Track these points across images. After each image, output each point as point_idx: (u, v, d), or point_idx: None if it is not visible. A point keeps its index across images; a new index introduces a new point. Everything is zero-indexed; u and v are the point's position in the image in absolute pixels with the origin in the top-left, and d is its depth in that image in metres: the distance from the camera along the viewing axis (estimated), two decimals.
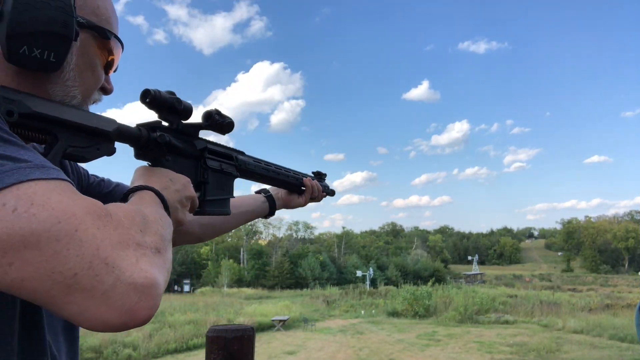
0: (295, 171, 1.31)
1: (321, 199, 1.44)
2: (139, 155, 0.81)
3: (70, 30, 0.61)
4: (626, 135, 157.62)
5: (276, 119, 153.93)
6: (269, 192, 1.33)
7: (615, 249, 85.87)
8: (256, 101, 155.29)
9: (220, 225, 1.19)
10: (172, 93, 0.80)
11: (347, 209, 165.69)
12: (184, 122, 0.85)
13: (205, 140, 0.92)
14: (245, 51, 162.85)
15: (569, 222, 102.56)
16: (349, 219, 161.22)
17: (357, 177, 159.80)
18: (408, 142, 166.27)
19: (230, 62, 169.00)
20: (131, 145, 0.78)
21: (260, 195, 1.31)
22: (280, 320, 20.83)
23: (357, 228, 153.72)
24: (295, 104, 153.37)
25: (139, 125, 0.79)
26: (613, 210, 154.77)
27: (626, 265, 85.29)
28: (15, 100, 0.57)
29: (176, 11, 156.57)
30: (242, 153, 1.07)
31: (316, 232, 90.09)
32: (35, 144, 0.67)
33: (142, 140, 0.77)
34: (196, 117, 0.88)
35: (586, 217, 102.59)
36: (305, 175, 1.36)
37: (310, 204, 1.44)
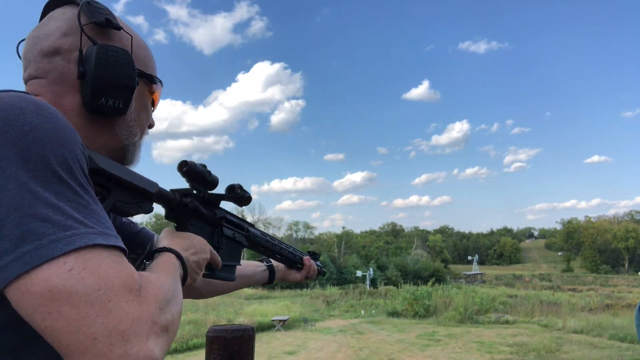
0: (294, 248, 1.42)
1: (313, 277, 1.54)
2: (169, 217, 0.91)
3: (134, 81, 0.76)
4: (626, 135, 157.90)
5: (276, 119, 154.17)
6: (271, 262, 1.43)
7: (615, 249, 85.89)
8: (256, 101, 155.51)
9: (222, 286, 1.28)
10: (204, 166, 0.92)
11: (347, 209, 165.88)
12: (209, 192, 0.95)
13: (224, 210, 1.03)
14: (246, 51, 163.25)
15: (569, 222, 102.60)
16: (349, 219, 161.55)
17: (357, 177, 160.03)
18: (408, 142, 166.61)
19: (231, 62, 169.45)
20: (164, 207, 0.89)
21: (262, 264, 1.43)
22: (280, 320, 20.82)
23: (357, 228, 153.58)
24: (295, 104, 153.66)
25: (173, 191, 0.91)
26: (613, 210, 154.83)
27: (626, 265, 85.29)
28: (87, 157, 0.64)
29: (176, 11, 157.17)
30: (252, 225, 1.17)
31: (316, 232, 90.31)
32: None
33: (175, 203, 0.88)
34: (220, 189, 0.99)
35: (586, 217, 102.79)
36: (303, 254, 1.47)
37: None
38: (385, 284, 46.98)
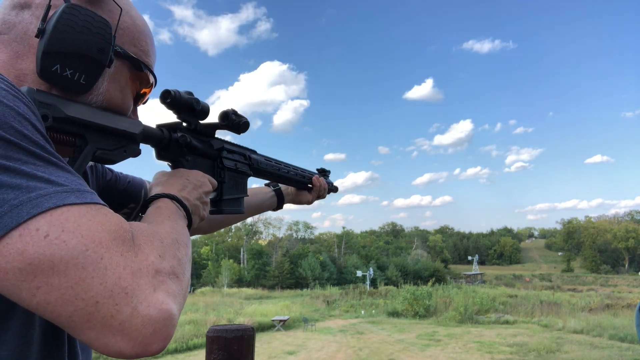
0: (302, 169, 1.33)
1: (325, 196, 1.45)
2: (160, 156, 0.83)
3: (105, 57, 0.64)
4: (627, 136, 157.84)
5: (279, 119, 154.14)
6: (278, 186, 1.34)
7: (616, 249, 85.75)
8: (259, 101, 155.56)
9: (228, 218, 1.20)
10: (190, 93, 0.81)
11: (348, 208, 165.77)
12: (201, 122, 0.86)
13: (221, 140, 0.94)
14: (250, 52, 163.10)
15: (569, 222, 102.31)
16: (350, 219, 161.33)
17: (359, 177, 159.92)
18: (410, 142, 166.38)
19: (235, 62, 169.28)
20: (153, 147, 0.80)
21: (269, 189, 1.33)
22: (280, 320, 20.83)
23: (358, 228, 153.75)
24: (298, 104, 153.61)
25: (160, 126, 0.81)
26: (613, 210, 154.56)
27: (626, 265, 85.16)
28: (50, 105, 0.59)
29: (182, 12, 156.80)
30: (254, 152, 1.08)
31: (316, 232, 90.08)
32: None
33: (164, 141, 0.79)
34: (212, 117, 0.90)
35: (586, 217, 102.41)
36: (312, 173, 1.37)
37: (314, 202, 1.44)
38: (386, 284, 46.95)
